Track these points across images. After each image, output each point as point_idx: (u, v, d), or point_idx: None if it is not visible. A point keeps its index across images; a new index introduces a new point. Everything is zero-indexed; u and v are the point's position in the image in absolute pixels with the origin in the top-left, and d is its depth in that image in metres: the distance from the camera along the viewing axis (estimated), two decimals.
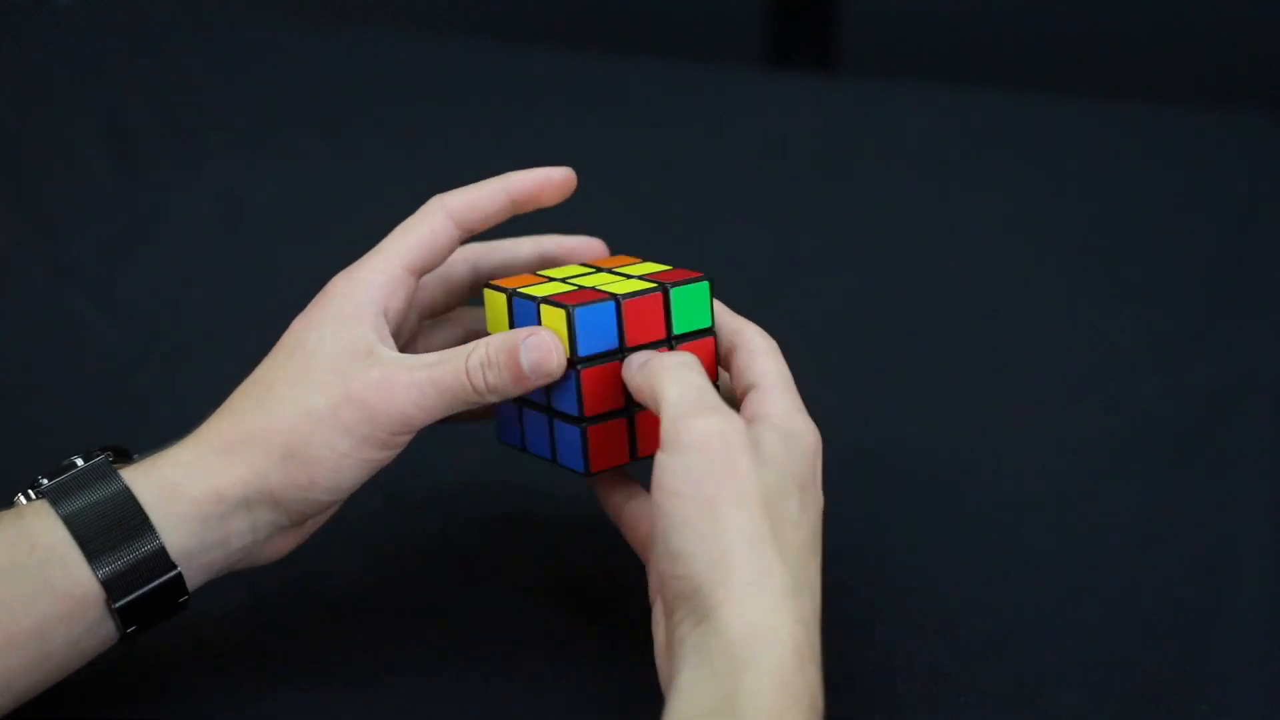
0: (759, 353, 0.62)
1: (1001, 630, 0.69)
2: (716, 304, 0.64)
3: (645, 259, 0.67)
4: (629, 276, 0.64)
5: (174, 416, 0.63)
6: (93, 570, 0.58)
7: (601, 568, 0.72)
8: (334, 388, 0.60)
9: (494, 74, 1.15)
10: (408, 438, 0.61)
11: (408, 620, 0.69)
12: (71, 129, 1.08)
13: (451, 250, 0.65)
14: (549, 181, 0.66)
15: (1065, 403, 0.84)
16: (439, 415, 0.61)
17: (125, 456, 0.63)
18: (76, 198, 1.01)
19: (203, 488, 0.60)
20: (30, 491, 0.61)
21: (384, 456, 0.61)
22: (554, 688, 0.66)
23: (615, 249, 0.71)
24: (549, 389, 0.63)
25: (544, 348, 0.61)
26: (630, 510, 0.64)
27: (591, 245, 0.70)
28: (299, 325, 0.63)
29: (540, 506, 0.76)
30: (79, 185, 1.02)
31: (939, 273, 0.94)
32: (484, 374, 0.61)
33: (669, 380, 0.58)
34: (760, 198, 1.02)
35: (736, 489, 0.55)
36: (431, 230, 0.64)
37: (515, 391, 0.61)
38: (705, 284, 0.63)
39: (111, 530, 0.58)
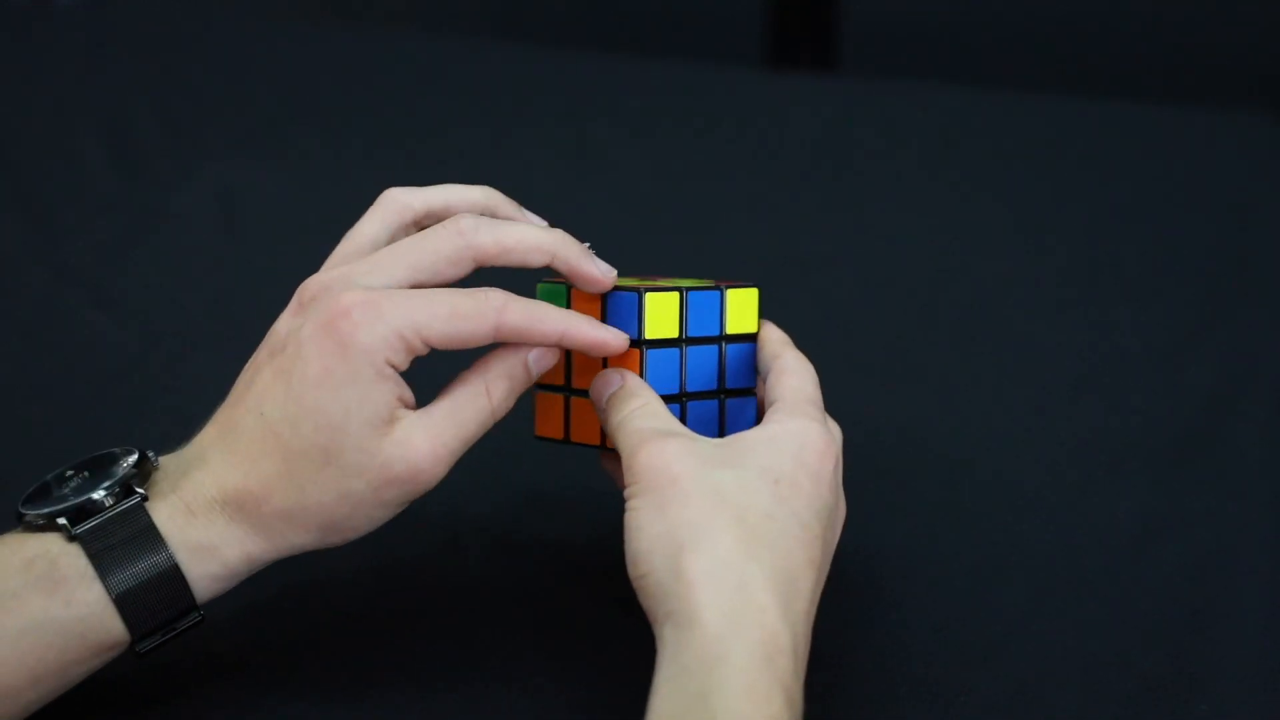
0: (787, 372, 0.64)
1: (1001, 630, 0.69)
2: (771, 329, 0.67)
3: (653, 274, 0.68)
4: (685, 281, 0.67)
5: (174, 416, 0.63)
6: (127, 629, 0.59)
7: (602, 569, 0.72)
8: (372, 471, 0.60)
9: (494, 74, 1.15)
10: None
11: (408, 622, 0.69)
12: (71, 129, 1.08)
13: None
14: (604, 347, 0.63)
15: (1065, 403, 0.84)
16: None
17: (143, 459, 0.62)
18: (76, 198, 1.01)
19: (237, 554, 0.60)
20: (46, 513, 0.60)
21: (409, 505, 0.63)
22: (555, 691, 0.66)
23: (615, 249, 0.70)
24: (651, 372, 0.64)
25: (549, 356, 0.63)
26: None
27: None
28: (316, 377, 0.59)
29: (541, 507, 0.76)
30: (79, 185, 1.02)
31: (939, 273, 0.94)
32: (506, 403, 0.62)
33: (614, 417, 0.61)
34: (760, 198, 1.02)
35: (682, 489, 0.57)
36: (473, 331, 0.61)
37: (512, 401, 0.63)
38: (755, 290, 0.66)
39: (148, 591, 0.59)
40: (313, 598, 0.70)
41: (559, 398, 0.66)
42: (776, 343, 0.66)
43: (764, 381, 0.65)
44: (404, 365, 0.60)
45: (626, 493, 0.59)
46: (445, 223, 0.62)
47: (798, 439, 0.60)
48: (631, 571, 0.57)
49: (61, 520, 0.59)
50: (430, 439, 0.61)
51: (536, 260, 0.63)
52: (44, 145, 1.07)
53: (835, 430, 0.64)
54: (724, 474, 0.58)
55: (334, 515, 0.60)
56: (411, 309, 0.60)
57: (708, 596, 0.54)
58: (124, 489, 0.60)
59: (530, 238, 0.63)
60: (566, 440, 0.67)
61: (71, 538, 0.59)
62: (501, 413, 0.62)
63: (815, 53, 1.63)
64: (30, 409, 0.83)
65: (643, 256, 0.73)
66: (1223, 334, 0.89)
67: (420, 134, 1.09)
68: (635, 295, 0.64)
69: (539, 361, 0.63)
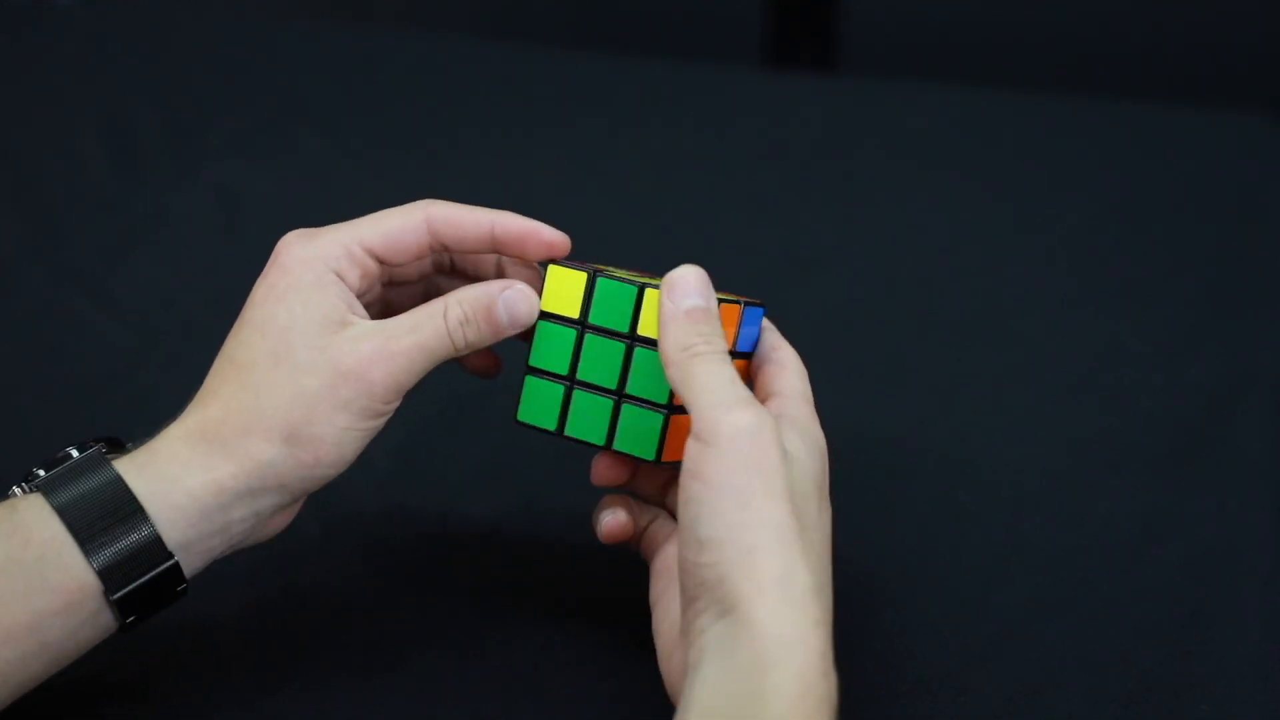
0: (786, 368, 0.64)
1: (1001, 630, 0.69)
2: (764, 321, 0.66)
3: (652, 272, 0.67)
4: None
5: (174, 416, 0.63)
6: (89, 563, 0.58)
7: (602, 568, 0.72)
8: (323, 366, 0.60)
9: (494, 74, 1.15)
10: (398, 402, 0.62)
11: (408, 621, 0.69)
12: (71, 129, 1.08)
13: (419, 253, 0.65)
14: (537, 235, 0.65)
15: (1065, 403, 0.84)
16: (424, 374, 0.62)
17: (119, 447, 0.63)
18: (76, 198, 1.01)
19: (202, 481, 0.60)
20: (24, 484, 0.61)
21: (379, 423, 0.62)
22: (555, 688, 0.66)
23: (615, 248, 0.71)
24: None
25: (523, 301, 0.63)
26: (655, 526, 0.66)
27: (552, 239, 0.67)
28: (261, 296, 0.62)
29: (541, 507, 0.76)
30: (79, 185, 1.02)
31: (939, 273, 0.94)
32: (464, 331, 0.62)
33: (698, 374, 0.58)
34: (760, 198, 1.02)
35: (769, 483, 0.56)
36: (402, 224, 0.64)
37: (491, 342, 0.63)
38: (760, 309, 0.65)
39: (105, 520, 0.58)
40: (313, 598, 0.70)
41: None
42: (772, 331, 0.66)
43: (756, 374, 0.65)
44: (355, 281, 0.62)
45: (697, 449, 0.56)
46: None
47: (820, 446, 0.60)
48: (693, 555, 0.55)
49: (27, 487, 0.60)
50: (384, 339, 0.61)
51: (482, 226, 0.64)
52: (44, 145, 1.07)
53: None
54: (796, 475, 0.57)
55: (292, 418, 0.60)
56: (345, 226, 0.63)
57: (773, 602, 0.54)
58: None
59: (476, 208, 0.65)
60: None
61: (33, 489, 0.60)
62: (462, 342, 0.62)
63: (815, 53, 1.63)
64: (30, 409, 0.83)
65: (642, 256, 0.73)
66: (1223, 334, 0.89)
67: (420, 134, 1.09)
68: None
69: (512, 303, 0.63)
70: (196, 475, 0.60)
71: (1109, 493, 0.77)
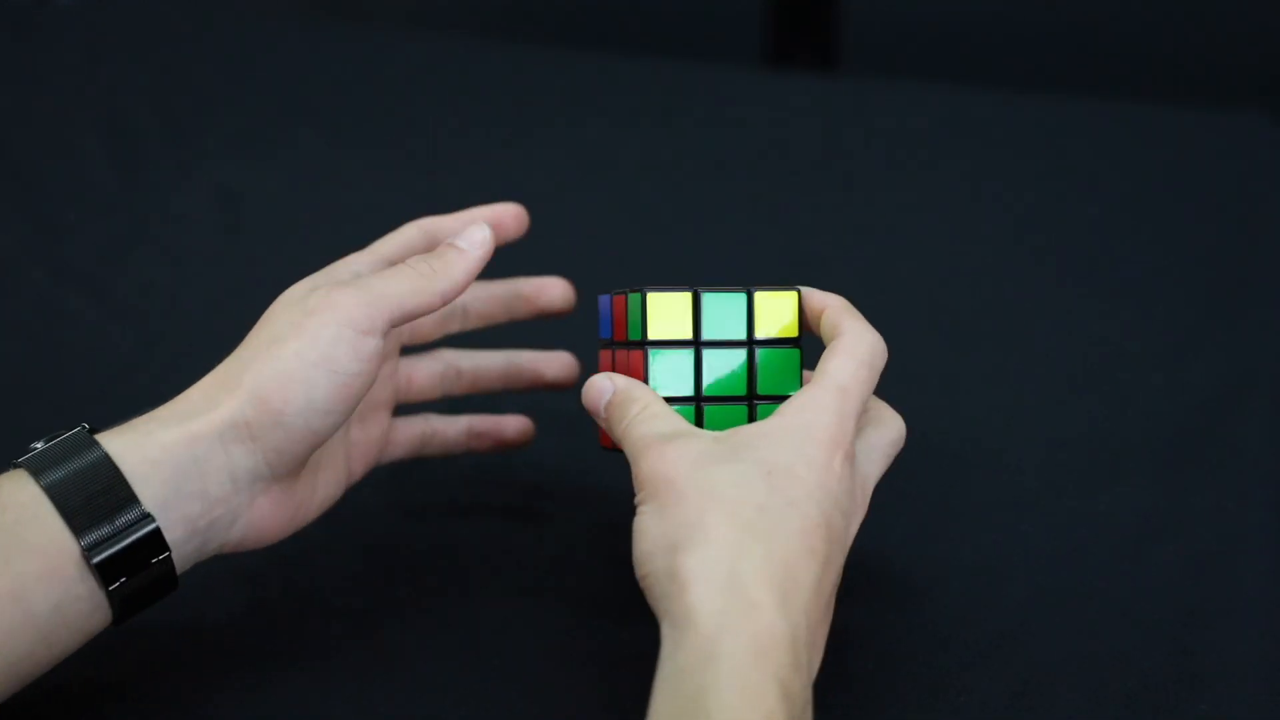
0: (835, 351, 0.62)
1: (1001, 630, 0.69)
2: (830, 297, 0.65)
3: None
4: None
5: None
6: (64, 521, 0.58)
7: (603, 568, 0.72)
8: (295, 314, 0.62)
9: (494, 74, 1.15)
10: (373, 341, 0.62)
11: (407, 621, 0.69)
12: (71, 129, 1.08)
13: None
14: (504, 216, 0.70)
15: (1065, 402, 0.84)
16: (395, 321, 0.63)
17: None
18: (76, 198, 1.01)
19: (175, 433, 0.60)
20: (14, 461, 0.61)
21: (351, 372, 0.62)
22: (555, 689, 0.66)
23: (615, 248, 0.71)
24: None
25: (478, 231, 0.66)
26: None
27: (558, 284, 0.74)
28: (271, 308, 0.64)
29: (542, 506, 0.76)
30: (79, 185, 1.02)
31: (939, 273, 0.94)
32: (430, 266, 0.64)
33: (629, 436, 0.61)
34: (760, 197, 1.02)
35: (678, 490, 0.57)
36: (409, 284, 0.65)
37: (462, 278, 0.65)
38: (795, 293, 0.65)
39: (80, 479, 0.58)
40: (313, 598, 0.70)
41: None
42: (837, 310, 0.64)
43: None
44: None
45: (636, 500, 0.59)
46: None
47: (801, 430, 0.59)
48: (636, 573, 0.57)
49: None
50: (355, 291, 0.62)
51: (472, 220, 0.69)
52: (44, 145, 1.07)
53: (893, 421, 0.63)
54: (718, 470, 0.57)
55: (260, 369, 0.61)
56: (361, 285, 0.64)
57: (699, 595, 0.54)
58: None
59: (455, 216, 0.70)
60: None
61: (12, 466, 0.60)
62: (431, 276, 0.64)
63: (815, 53, 1.63)
64: (30, 409, 0.83)
65: (642, 256, 0.73)
66: (1223, 334, 0.89)
67: (420, 134, 1.09)
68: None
69: (469, 235, 0.66)
70: (170, 428, 0.60)
71: (1109, 493, 0.77)
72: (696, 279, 0.67)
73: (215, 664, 0.66)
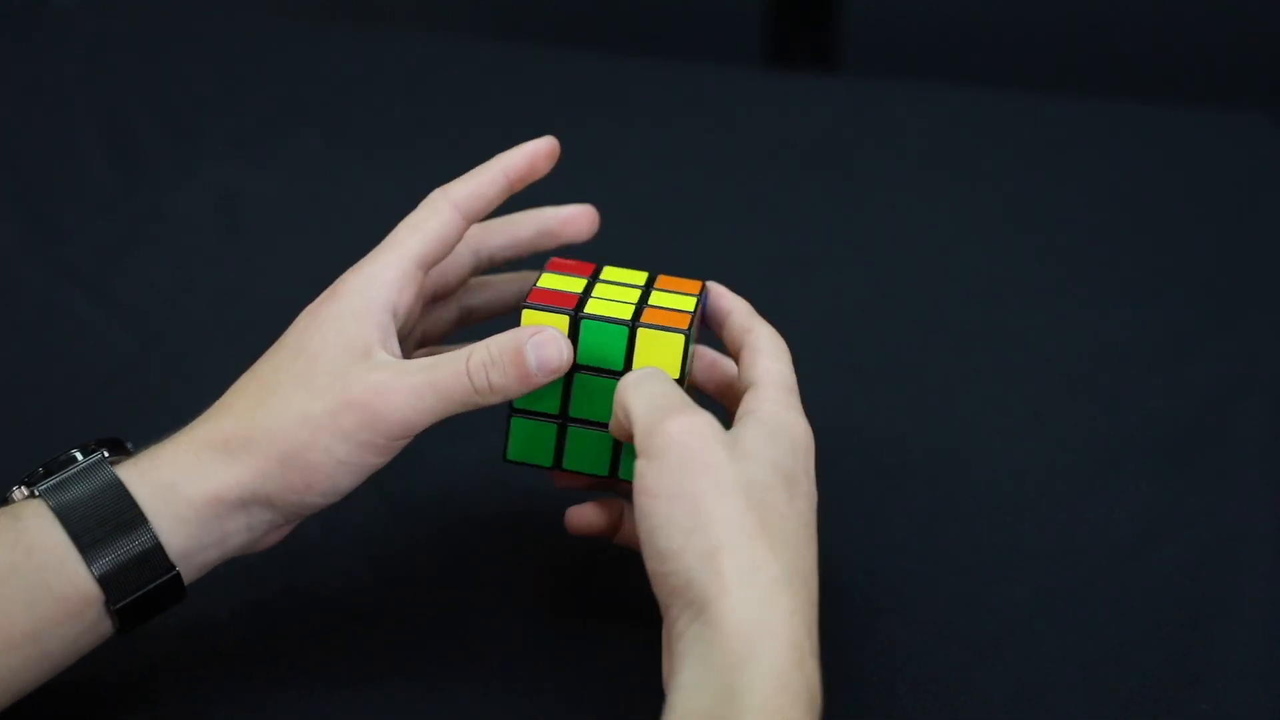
0: (762, 352, 0.63)
1: (1001, 630, 0.69)
2: (737, 300, 0.65)
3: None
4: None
5: (174, 416, 0.63)
6: (90, 571, 0.58)
7: (603, 569, 0.72)
8: (333, 392, 0.60)
9: (494, 74, 1.15)
10: (404, 442, 0.61)
11: (408, 621, 0.69)
12: (71, 129, 1.08)
13: (458, 241, 0.65)
14: (539, 154, 0.67)
15: (1064, 403, 0.84)
16: (437, 418, 0.61)
17: (121, 448, 0.63)
18: (76, 198, 1.01)
19: (200, 490, 0.59)
20: (24, 487, 0.61)
21: (380, 461, 0.61)
22: (554, 690, 0.66)
23: (614, 248, 0.71)
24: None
25: (552, 345, 0.61)
26: (627, 516, 0.66)
27: (585, 213, 0.71)
28: (303, 322, 0.62)
29: (541, 506, 0.76)
30: (79, 185, 1.02)
31: (939, 272, 0.94)
32: (486, 374, 0.60)
33: (633, 395, 0.59)
34: (760, 197, 1.02)
35: (715, 480, 0.56)
36: (440, 224, 0.64)
37: (520, 391, 0.61)
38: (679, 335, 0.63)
39: (106, 525, 0.58)
40: (313, 598, 0.70)
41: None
42: (744, 314, 0.65)
43: (738, 357, 0.65)
44: (409, 299, 0.62)
45: (642, 465, 0.57)
46: None
47: (792, 433, 0.59)
48: (657, 566, 0.56)
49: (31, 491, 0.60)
50: (397, 372, 0.60)
51: (500, 183, 0.66)
52: (44, 145, 1.07)
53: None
54: (750, 468, 0.57)
55: (293, 440, 0.59)
56: (386, 249, 0.63)
57: (740, 597, 0.54)
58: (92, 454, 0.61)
59: (484, 169, 0.67)
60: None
61: (34, 495, 0.59)
62: (484, 384, 0.60)
63: (815, 53, 1.63)
64: (30, 409, 0.83)
65: (642, 257, 0.73)
66: (1223, 334, 0.89)
67: (420, 134, 1.09)
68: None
69: (541, 346, 0.61)
70: (196, 484, 0.59)
71: (1109, 493, 0.77)
72: (696, 279, 0.67)
73: (215, 664, 0.66)
